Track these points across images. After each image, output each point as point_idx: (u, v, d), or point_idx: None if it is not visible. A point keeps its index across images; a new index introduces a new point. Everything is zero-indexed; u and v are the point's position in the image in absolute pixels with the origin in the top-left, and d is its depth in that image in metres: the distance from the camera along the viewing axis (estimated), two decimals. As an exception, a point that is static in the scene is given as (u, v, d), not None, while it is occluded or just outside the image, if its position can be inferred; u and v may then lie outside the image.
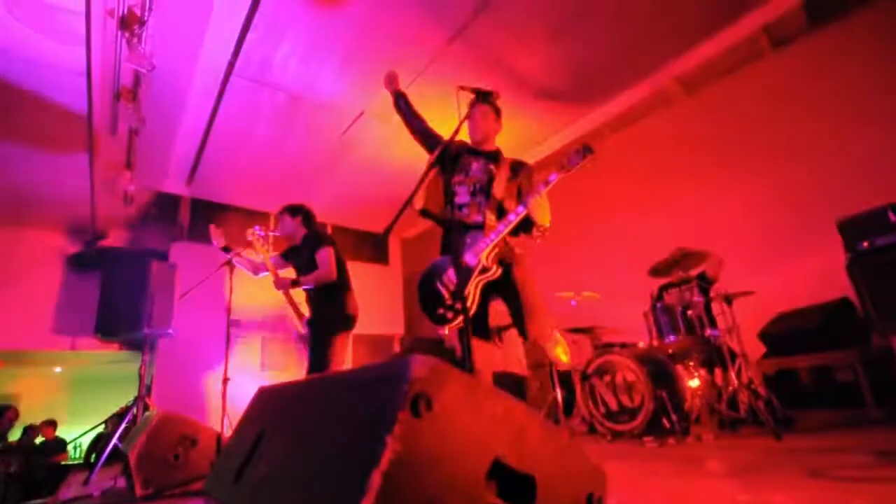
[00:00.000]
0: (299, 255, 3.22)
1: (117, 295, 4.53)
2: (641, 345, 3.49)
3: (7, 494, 4.46)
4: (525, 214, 2.04)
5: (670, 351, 3.33)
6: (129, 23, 3.09)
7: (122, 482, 2.89)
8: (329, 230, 6.96)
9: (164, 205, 5.90)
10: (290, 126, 4.69)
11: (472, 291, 2.08)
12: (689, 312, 3.17)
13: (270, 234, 3.61)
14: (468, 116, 2.24)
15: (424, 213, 2.21)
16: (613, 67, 4.17)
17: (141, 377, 4.20)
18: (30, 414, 6.64)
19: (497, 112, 2.41)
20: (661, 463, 2.21)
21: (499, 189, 2.20)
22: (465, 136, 2.29)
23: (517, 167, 2.29)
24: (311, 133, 4.83)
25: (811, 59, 3.86)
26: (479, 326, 2.18)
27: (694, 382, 3.15)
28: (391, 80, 2.67)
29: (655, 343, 3.39)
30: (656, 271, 3.45)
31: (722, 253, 3.42)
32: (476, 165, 2.31)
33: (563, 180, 2.06)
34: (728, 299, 3.12)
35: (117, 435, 3.82)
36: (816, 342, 3.07)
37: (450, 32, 3.64)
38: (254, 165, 5.38)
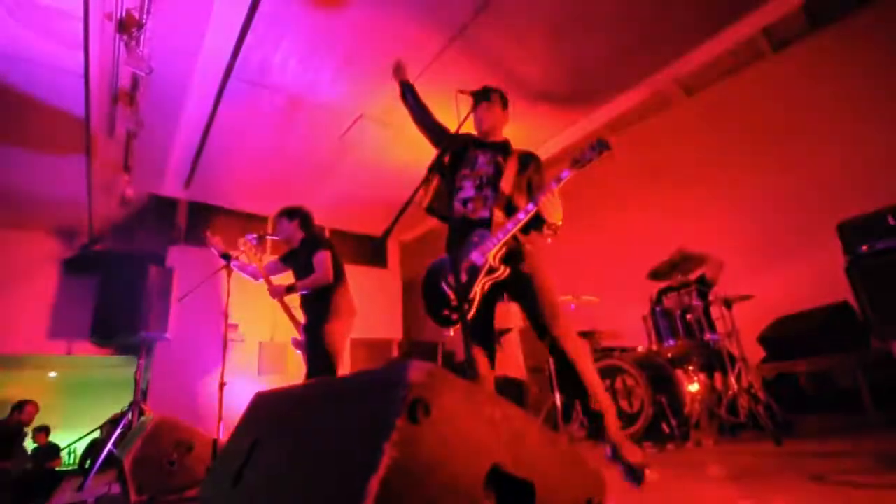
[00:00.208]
0: (297, 259, 3.22)
1: (114, 299, 4.52)
2: (641, 349, 3.49)
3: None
4: (535, 212, 1.94)
5: (669, 355, 3.33)
6: (127, 26, 3.10)
7: (116, 488, 2.88)
8: (327, 233, 6.96)
9: (162, 208, 5.89)
10: (288, 128, 4.70)
11: (479, 293, 1.98)
12: (689, 316, 3.18)
13: (268, 237, 3.62)
14: (472, 112, 2.16)
15: (430, 210, 2.15)
16: (613, 69, 4.18)
17: (136, 382, 4.19)
18: (24, 419, 6.59)
19: (504, 102, 2.33)
20: (662, 468, 2.21)
21: (507, 183, 2.08)
22: (469, 127, 2.23)
23: (527, 160, 2.18)
24: (309, 135, 4.84)
25: (811, 61, 3.89)
26: (484, 330, 2.11)
27: (693, 387, 3.15)
28: (399, 70, 2.60)
29: (655, 347, 3.39)
30: (655, 275, 3.46)
31: (721, 256, 3.43)
32: (483, 158, 2.20)
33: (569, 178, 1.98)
34: (727, 303, 3.12)
35: (112, 440, 3.81)
36: (816, 346, 3.07)
37: (449, 34, 3.65)
38: (252, 168, 5.38)
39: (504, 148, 2.23)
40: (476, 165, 2.19)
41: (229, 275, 3.24)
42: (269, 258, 3.42)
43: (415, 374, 0.67)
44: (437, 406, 0.68)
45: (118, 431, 3.87)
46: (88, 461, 5.19)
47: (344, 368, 5.79)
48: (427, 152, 5.19)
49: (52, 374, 9.71)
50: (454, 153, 2.25)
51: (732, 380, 2.94)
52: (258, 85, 4.04)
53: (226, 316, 3.25)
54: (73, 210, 5.56)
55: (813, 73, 3.86)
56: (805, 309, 3.32)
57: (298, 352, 3.14)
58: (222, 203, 6.20)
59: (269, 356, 5.95)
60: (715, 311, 3.22)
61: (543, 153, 5.29)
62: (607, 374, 3.35)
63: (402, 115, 4.63)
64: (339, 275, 3.08)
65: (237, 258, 3.25)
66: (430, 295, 2.14)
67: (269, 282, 3.16)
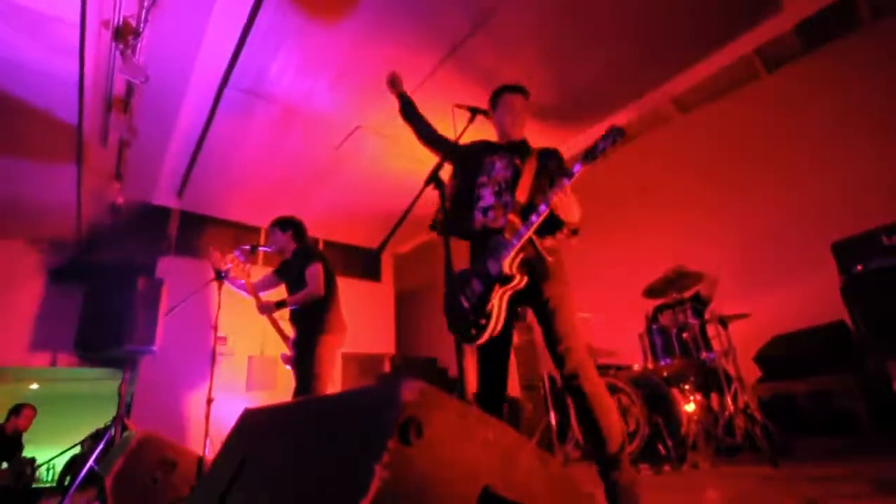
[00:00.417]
0: (290, 271, 3.21)
1: (100, 310, 4.47)
2: (636, 367, 3.49)
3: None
4: (548, 213, 1.82)
5: (665, 374, 3.33)
6: (123, 34, 3.12)
7: (96, 507, 2.81)
8: (321, 245, 6.95)
9: (153, 217, 5.86)
10: (283, 139, 4.72)
11: (497, 305, 1.85)
12: (685, 334, 3.18)
13: (260, 248, 3.61)
14: (469, 124, 2.09)
15: (434, 227, 1.99)
16: (607, 87, 4.25)
17: (121, 396, 4.11)
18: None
19: (526, 95, 2.22)
20: (658, 492, 2.19)
21: (525, 186, 1.96)
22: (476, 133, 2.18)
23: (546, 157, 2.05)
24: (305, 146, 4.86)
25: (805, 81, 3.97)
26: (503, 348, 1.97)
27: (690, 407, 3.14)
28: (395, 82, 2.53)
29: (650, 365, 3.38)
30: (651, 292, 3.47)
31: (717, 273, 3.45)
32: (500, 163, 2.10)
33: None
34: (723, 321, 3.14)
35: (94, 457, 3.72)
36: (813, 366, 3.08)
37: (444, 50, 3.71)
38: (246, 178, 5.38)
39: (522, 148, 2.12)
40: (493, 171, 2.10)
41: (220, 287, 3.22)
42: (262, 271, 3.40)
43: (407, 394, 0.66)
44: (430, 427, 0.67)
45: (100, 447, 3.78)
46: (68, 478, 5.08)
47: (334, 384, 5.74)
48: (424, 164, 5.22)
49: (34, 386, 9.54)
50: (468, 163, 2.16)
51: (729, 400, 2.93)
52: (254, 95, 4.06)
53: (215, 329, 3.22)
54: (61, 218, 5.52)
55: (807, 93, 3.94)
56: (801, 328, 3.34)
57: (287, 367, 3.11)
58: (215, 213, 6.18)
59: (259, 371, 5.88)
60: (711, 330, 3.23)
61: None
62: (603, 392, 3.33)
63: (399, 126, 4.66)
64: (330, 288, 3.07)
65: (226, 274, 3.22)
66: (449, 309, 2.03)
67: (257, 298, 3.14)
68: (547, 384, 3.83)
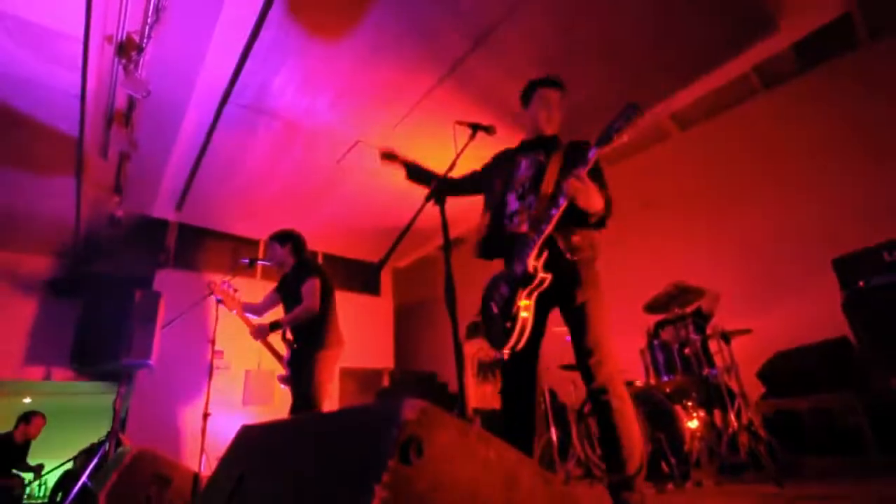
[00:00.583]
0: (288, 286, 3.21)
1: (97, 323, 4.46)
2: (638, 383, 3.47)
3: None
4: (567, 204, 1.72)
5: (668, 390, 3.31)
6: (126, 49, 3.17)
7: (89, 525, 2.77)
8: (320, 258, 6.96)
9: (151, 230, 5.88)
10: (284, 153, 4.76)
11: (523, 308, 1.76)
12: (687, 350, 3.18)
13: (259, 262, 3.62)
14: (469, 141, 1.95)
15: (483, 255, 1.93)
16: (607, 102, 4.28)
17: (115, 411, 4.09)
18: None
19: (562, 90, 2.09)
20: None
21: (549, 182, 1.86)
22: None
23: (576, 150, 1.90)
24: (306, 160, 4.90)
25: (804, 100, 4.03)
26: (527, 361, 1.86)
27: (693, 424, 3.12)
28: (389, 155, 2.37)
29: (652, 381, 3.37)
30: (652, 307, 3.47)
31: (718, 289, 3.46)
32: (525, 163, 2.02)
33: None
34: (726, 337, 3.13)
35: (87, 473, 3.69)
36: (816, 383, 3.07)
37: (445, 67, 3.76)
38: (246, 192, 5.41)
39: (549, 143, 2.01)
40: (518, 173, 2.02)
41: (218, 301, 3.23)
42: (261, 285, 3.40)
43: (408, 413, 0.67)
44: (430, 446, 0.67)
45: (93, 463, 3.75)
46: (60, 494, 5.01)
47: (332, 400, 5.70)
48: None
49: (27, 399, 9.46)
50: (497, 175, 2.08)
51: (732, 417, 2.91)
52: (255, 109, 4.11)
53: (212, 343, 3.22)
54: (60, 230, 5.54)
55: (806, 110, 3.99)
56: (804, 344, 3.34)
57: (284, 387, 3.11)
58: (214, 226, 6.20)
59: (256, 385, 5.84)
60: (713, 346, 3.22)
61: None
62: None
63: (399, 140, 4.73)
64: (328, 303, 3.07)
65: (215, 297, 3.22)
66: (485, 318, 1.95)
67: (248, 323, 3.14)
68: (548, 399, 3.80)
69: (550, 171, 1.89)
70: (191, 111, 4.05)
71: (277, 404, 5.73)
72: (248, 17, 3.19)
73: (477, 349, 4.97)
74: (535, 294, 1.78)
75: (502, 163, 2.15)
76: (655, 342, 3.38)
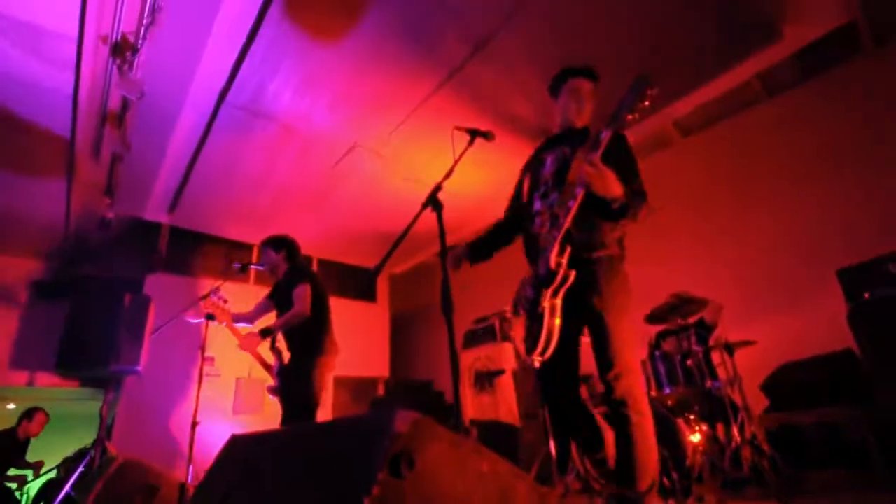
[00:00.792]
0: (280, 292, 3.21)
1: (85, 327, 4.43)
2: (639, 395, 3.45)
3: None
4: (583, 194, 1.65)
5: (670, 403, 3.30)
6: (121, 50, 3.18)
7: (71, 537, 2.75)
8: (315, 264, 6.95)
9: (143, 233, 5.87)
10: (280, 156, 4.77)
11: (548, 308, 1.69)
12: (689, 362, 3.17)
13: (252, 266, 3.61)
14: (469, 144, 1.94)
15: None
16: (609, 109, 4.32)
17: (102, 418, 4.06)
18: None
19: (594, 80, 2.03)
20: (661, 527, 2.15)
21: (573, 175, 1.76)
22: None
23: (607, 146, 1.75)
24: (301, 164, 4.91)
25: (808, 107, 4.05)
26: (563, 360, 1.76)
27: (695, 437, 3.11)
28: (459, 259, 2.20)
29: (654, 393, 3.36)
30: (653, 318, 3.46)
31: (721, 299, 3.46)
32: (550, 159, 1.95)
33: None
34: (729, 348, 3.13)
35: (71, 482, 3.65)
36: (820, 396, 3.07)
37: (445, 72, 3.78)
38: (241, 195, 5.42)
39: (576, 137, 1.92)
40: (542, 172, 1.95)
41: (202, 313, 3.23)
42: (254, 290, 3.39)
43: (400, 425, 0.66)
44: (422, 459, 0.67)
45: (78, 472, 3.71)
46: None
47: (325, 409, 5.67)
48: (422, 183, 5.30)
49: (11, 406, 9.39)
50: (526, 176, 2.03)
51: (735, 430, 2.90)
52: (251, 112, 4.12)
53: (202, 349, 3.20)
54: (48, 232, 5.52)
55: (811, 117, 4.02)
56: (809, 356, 3.33)
57: (273, 398, 3.09)
58: (208, 230, 6.19)
59: (246, 394, 5.81)
60: (715, 357, 3.21)
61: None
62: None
63: (397, 145, 4.75)
64: (322, 310, 3.07)
65: (206, 311, 3.21)
66: (526, 328, 1.87)
67: (237, 335, 3.13)
68: (548, 412, 3.78)
69: (576, 164, 1.77)
70: (185, 113, 4.06)
71: (268, 413, 5.69)
72: (245, 19, 3.20)
73: (474, 358, 4.96)
74: (561, 293, 1.70)
75: (530, 165, 2.11)
76: (657, 353, 3.37)
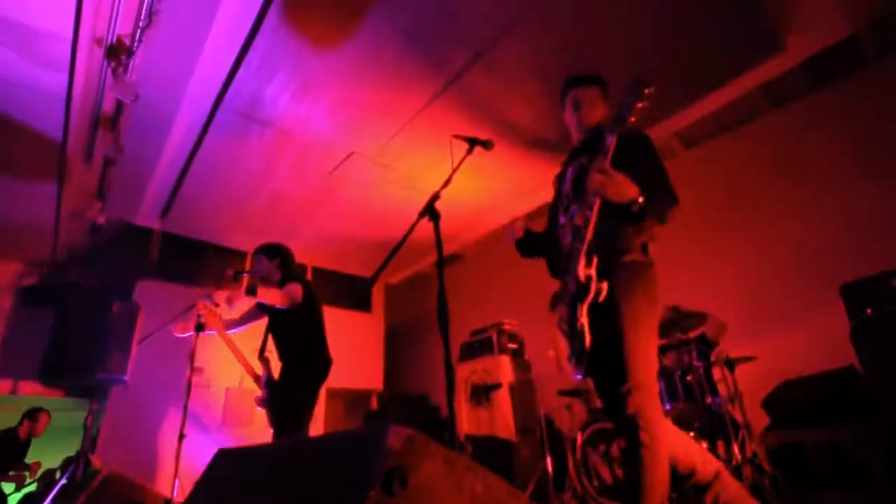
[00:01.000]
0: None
1: (71, 334, 4.37)
2: (638, 411, 3.44)
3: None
4: (598, 203, 1.65)
5: (669, 419, 3.28)
6: (116, 52, 3.19)
7: (51, 553, 2.70)
8: (309, 272, 6.93)
9: (134, 238, 5.84)
10: (276, 162, 4.77)
11: (587, 325, 1.68)
12: (689, 377, 3.16)
13: (245, 274, 3.60)
14: (468, 155, 2.00)
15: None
16: (609, 119, 4.35)
17: (86, 429, 4.00)
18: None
19: (602, 88, 2.05)
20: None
21: (588, 184, 1.74)
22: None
23: (623, 144, 1.74)
24: (298, 170, 4.92)
25: (811, 119, 4.08)
26: (604, 375, 1.74)
27: (695, 455, 3.09)
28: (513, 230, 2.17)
29: (653, 410, 3.34)
30: (654, 331, 3.45)
31: (722, 315, 3.46)
32: (570, 171, 1.96)
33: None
34: (730, 364, 3.12)
35: (51, 496, 3.59)
36: (823, 414, 3.06)
37: (444, 80, 3.81)
38: (234, 201, 5.41)
39: (592, 145, 1.89)
40: (563, 186, 1.96)
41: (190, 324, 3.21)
42: (245, 301, 3.38)
43: (393, 441, 0.66)
44: (415, 476, 0.66)
45: (59, 485, 3.66)
46: (21, 519, 4.89)
47: (316, 422, 5.61)
48: (419, 192, 5.31)
49: (-8, 415, 9.27)
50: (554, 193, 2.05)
51: (736, 449, 2.89)
52: (248, 117, 4.13)
53: (191, 359, 3.18)
54: (36, 237, 5.50)
55: (813, 130, 4.04)
56: (811, 373, 3.33)
57: (261, 409, 3.07)
58: (200, 236, 6.18)
59: (236, 405, 5.75)
60: (716, 373, 3.21)
61: (534, 202, 5.41)
62: (601, 438, 3.29)
63: (394, 153, 4.76)
64: (316, 320, 3.05)
65: (201, 327, 3.20)
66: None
67: (230, 343, 3.12)
68: (544, 427, 3.77)
69: (590, 173, 1.73)
70: (181, 117, 4.07)
71: (259, 426, 5.64)
72: (243, 23, 3.22)
73: (470, 371, 4.93)
74: (587, 305, 1.69)
75: (556, 179, 2.15)
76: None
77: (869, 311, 2.78)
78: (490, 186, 5.17)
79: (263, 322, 3.31)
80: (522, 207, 5.41)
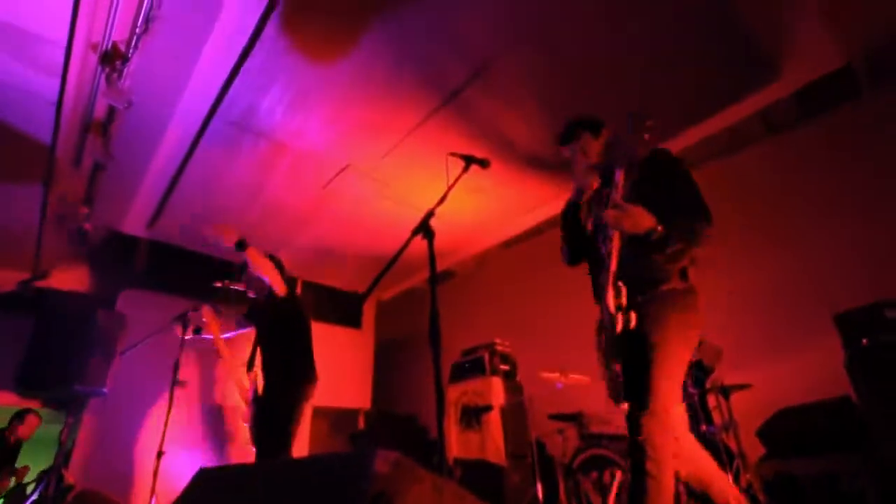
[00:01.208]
0: (261, 314, 3.18)
1: (50, 343, 4.30)
2: (631, 437, 3.42)
3: None
4: (618, 237, 1.74)
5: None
6: (111, 58, 3.21)
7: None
8: (299, 286, 6.89)
9: (119, 246, 5.79)
10: (268, 174, 4.79)
11: (614, 351, 1.78)
12: (684, 404, 3.16)
13: (233, 286, 3.58)
14: (462, 175, 2.06)
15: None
16: (615, 152, 4.42)
17: (61, 443, 3.91)
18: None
19: (594, 132, 2.13)
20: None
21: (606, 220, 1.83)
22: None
23: (645, 168, 1.81)
24: (291, 182, 4.93)
25: (806, 147, 4.16)
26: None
27: (689, 484, 3.07)
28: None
29: (647, 436, 3.33)
30: (649, 357, 3.46)
31: (716, 342, 3.47)
32: (597, 207, 2.03)
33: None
34: (725, 391, 3.12)
35: (21, 513, 3.51)
36: (819, 444, 3.05)
37: (441, 97, 3.86)
38: (225, 212, 5.40)
39: (605, 175, 1.98)
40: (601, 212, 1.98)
41: (185, 327, 3.18)
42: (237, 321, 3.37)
43: (380, 465, 0.65)
44: (401, 502, 0.66)
45: (30, 501, 3.57)
46: (-14, 536, 4.75)
47: (302, 441, 5.54)
48: (413, 207, 5.32)
49: (-37, 426, 9.05)
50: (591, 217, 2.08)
51: (730, 479, 2.87)
52: (242, 127, 4.16)
53: (174, 372, 3.14)
54: (18, 241, 5.44)
55: (808, 158, 4.12)
56: (807, 402, 3.33)
57: (246, 424, 3.03)
58: (188, 245, 6.14)
59: (219, 421, 5.66)
60: (711, 401, 3.21)
61: (532, 220, 5.44)
62: (594, 465, 3.26)
63: (389, 168, 4.79)
64: (304, 335, 3.04)
65: (200, 330, 3.19)
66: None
67: (225, 354, 3.10)
68: (535, 452, 3.73)
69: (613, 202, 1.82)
70: (174, 124, 4.09)
71: (242, 443, 5.54)
72: (241, 33, 3.26)
73: (461, 393, 4.89)
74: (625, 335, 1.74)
75: (590, 202, 2.18)
76: (651, 394, 3.36)
77: (864, 340, 2.80)
78: (485, 204, 5.20)
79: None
80: (519, 225, 5.44)
